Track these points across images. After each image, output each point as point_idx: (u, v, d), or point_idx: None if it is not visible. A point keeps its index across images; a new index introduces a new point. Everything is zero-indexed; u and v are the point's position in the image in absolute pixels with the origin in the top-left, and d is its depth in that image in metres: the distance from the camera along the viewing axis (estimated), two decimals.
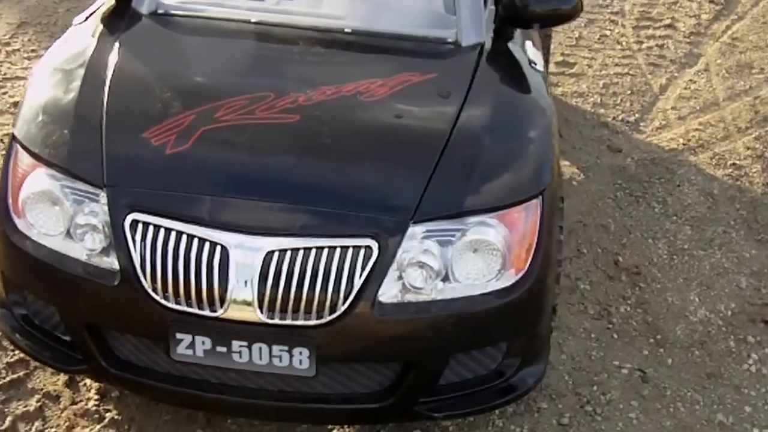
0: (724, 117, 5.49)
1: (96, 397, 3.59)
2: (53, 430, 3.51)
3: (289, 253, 2.97)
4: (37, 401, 3.59)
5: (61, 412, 3.56)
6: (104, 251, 3.10)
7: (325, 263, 2.96)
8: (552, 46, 5.86)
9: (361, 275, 2.98)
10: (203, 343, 3.07)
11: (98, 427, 3.52)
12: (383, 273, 3.02)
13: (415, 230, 3.06)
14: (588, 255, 4.46)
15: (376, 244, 3.00)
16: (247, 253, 2.98)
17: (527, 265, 3.19)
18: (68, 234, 3.16)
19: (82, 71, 3.51)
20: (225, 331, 3.03)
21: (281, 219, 3.04)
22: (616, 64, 5.95)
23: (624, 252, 4.49)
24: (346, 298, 2.97)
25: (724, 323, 4.14)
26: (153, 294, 3.03)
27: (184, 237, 3.02)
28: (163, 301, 3.03)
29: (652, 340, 4.03)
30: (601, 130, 5.36)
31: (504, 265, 3.14)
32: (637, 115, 5.51)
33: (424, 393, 3.22)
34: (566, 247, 4.39)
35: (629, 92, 5.68)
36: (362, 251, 2.99)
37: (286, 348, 3.03)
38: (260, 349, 3.04)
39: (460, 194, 3.15)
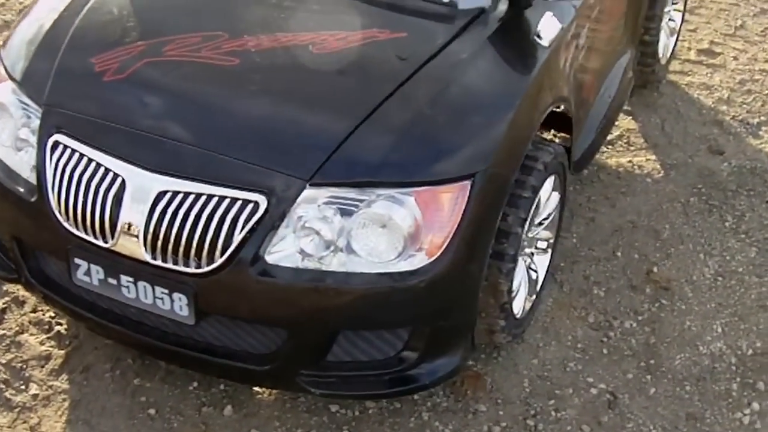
0: None
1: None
2: (4, 331, 3.59)
3: (180, 195, 2.89)
4: (4, 303, 3.68)
5: (19, 317, 3.63)
6: (34, 168, 3.12)
7: (210, 212, 2.85)
8: (705, 33, 5.30)
9: (242, 231, 2.82)
10: (97, 272, 3.05)
11: (43, 336, 3.57)
12: (269, 232, 2.86)
13: (315, 193, 2.86)
14: (621, 259, 4.02)
15: (266, 201, 2.84)
16: (141, 189, 2.92)
17: (441, 251, 2.91)
18: (16, 147, 3.22)
19: None
20: (115, 263, 2.99)
21: (180, 160, 2.95)
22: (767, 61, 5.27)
23: (664, 263, 4.00)
24: (224, 251, 2.83)
25: (738, 362, 3.61)
26: (58, 216, 3.04)
27: (93, 164, 3.01)
28: (65, 225, 3.03)
29: (643, 363, 3.59)
30: (711, 128, 4.77)
31: (408, 247, 2.89)
32: (762, 119, 4.85)
33: (306, 365, 3.05)
34: (603, 247, 4.06)
35: (766, 93, 5.01)
36: (249, 206, 2.84)
37: (166, 291, 2.96)
38: (144, 287, 2.99)
39: (372, 162, 2.91)
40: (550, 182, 3.48)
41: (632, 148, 4.63)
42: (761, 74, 5.14)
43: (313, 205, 2.87)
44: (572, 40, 3.62)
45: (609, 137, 4.66)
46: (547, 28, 3.43)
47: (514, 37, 3.38)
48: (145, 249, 2.91)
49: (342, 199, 2.88)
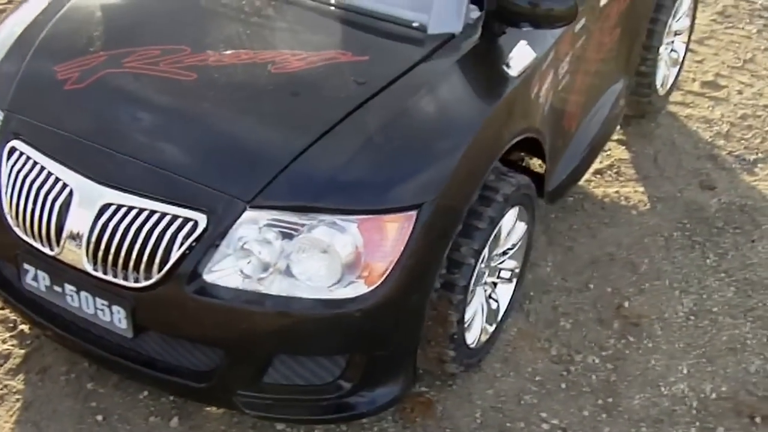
0: None
1: None
2: None
3: (124, 209, 2.89)
4: None
5: None
6: None
7: (150, 227, 2.85)
8: (712, 65, 5.22)
9: (180, 248, 2.81)
10: (44, 278, 3.06)
11: (6, 335, 3.60)
12: (208, 251, 2.84)
13: (256, 215, 2.84)
14: (593, 291, 3.95)
15: (205, 220, 2.82)
16: (87, 200, 2.93)
17: (381, 281, 2.87)
18: None
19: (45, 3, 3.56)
20: (60, 272, 3.01)
21: (126, 174, 2.95)
22: None
23: (637, 298, 3.92)
24: (161, 267, 2.82)
25: (700, 406, 3.53)
26: (9, 220, 3.06)
27: (44, 172, 3.02)
28: (16, 230, 3.05)
29: (600, 401, 3.52)
30: (705, 162, 4.68)
31: (347, 274, 2.85)
32: (760, 155, 4.74)
33: (243, 385, 3.02)
34: (577, 278, 4.00)
35: (767, 129, 4.91)
36: (189, 224, 2.83)
37: (106, 303, 2.96)
38: (87, 298, 3.00)
39: (315, 188, 2.87)
40: (513, 213, 3.42)
41: (621, 178, 4.54)
42: (765, 110, 5.03)
43: (253, 226, 2.85)
44: (549, 69, 3.56)
45: (599, 166, 4.59)
46: (519, 57, 3.37)
47: (481, 65, 3.32)
48: (87, 260, 2.91)
49: (283, 223, 2.85)
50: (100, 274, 2.91)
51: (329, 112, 3.04)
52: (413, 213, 2.90)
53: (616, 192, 4.45)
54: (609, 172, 4.58)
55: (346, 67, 3.20)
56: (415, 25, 3.35)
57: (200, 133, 3.04)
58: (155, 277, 2.85)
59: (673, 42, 4.92)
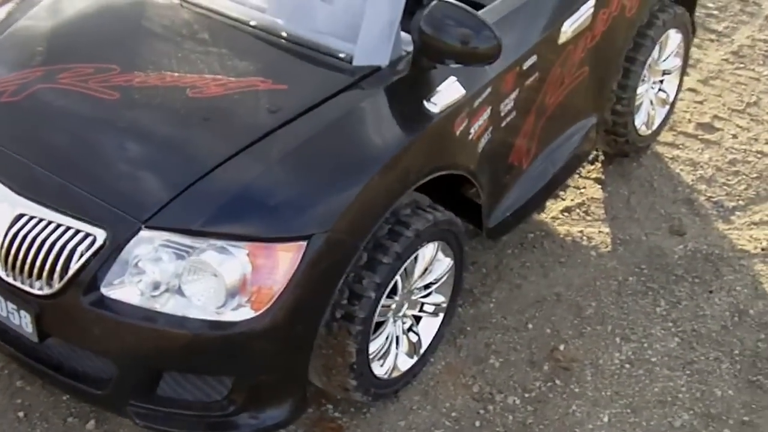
0: None
1: None
2: None
3: (34, 220, 3.04)
4: None
5: None
6: None
7: (55, 239, 2.98)
8: (712, 107, 5.15)
9: (78, 261, 2.95)
10: None
11: None
12: (104, 266, 2.97)
13: (151, 235, 2.96)
14: (531, 332, 3.95)
15: (104, 236, 2.95)
16: (5, 208, 3.08)
17: (266, 307, 2.97)
18: None
19: (4, 14, 3.74)
20: None
21: (39, 186, 3.11)
22: None
23: (575, 341, 3.91)
24: (61, 278, 2.96)
25: None
26: None
27: None
28: None
29: None
30: (680, 206, 4.62)
31: (233, 299, 2.95)
32: (740, 203, 4.66)
33: (135, 396, 3.15)
34: (518, 316, 4.01)
35: (755, 176, 4.81)
36: (88, 239, 2.96)
37: (15, 307, 3.11)
38: (1, 300, 3.12)
39: (209, 212, 2.98)
40: (431, 248, 3.45)
41: (589, 218, 4.52)
42: (756, 156, 4.93)
43: (149, 245, 2.96)
44: (485, 106, 3.58)
45: (568, 204, 4.59)
46: (445, 93, 3.41)
47: (400, 100, 3.36)
48: (0, 265, 3.05)
49: (176, 244, 2.95)
50: (11, 280, 3.06)
51: (234, 140, 3.13)
52: (303, 243, 2.98)
53: (580, 232, 4.43)
54: (578, 210, 4.55)
55: (262, 94, 3.28)
56: (341, 55, 3.40)
57: (110, 151, 3.17)
58: (56, 286, 3.00)
59: (662, 81, 4.85)
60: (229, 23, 3.58)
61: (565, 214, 4.55)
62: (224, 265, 2.93)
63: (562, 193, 4.68)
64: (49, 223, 3.02)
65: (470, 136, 3.55)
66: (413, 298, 3.61)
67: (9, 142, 3.23)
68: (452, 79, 3.45)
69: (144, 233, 2.95)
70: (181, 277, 2.96)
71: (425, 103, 3.36)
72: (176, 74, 3.35)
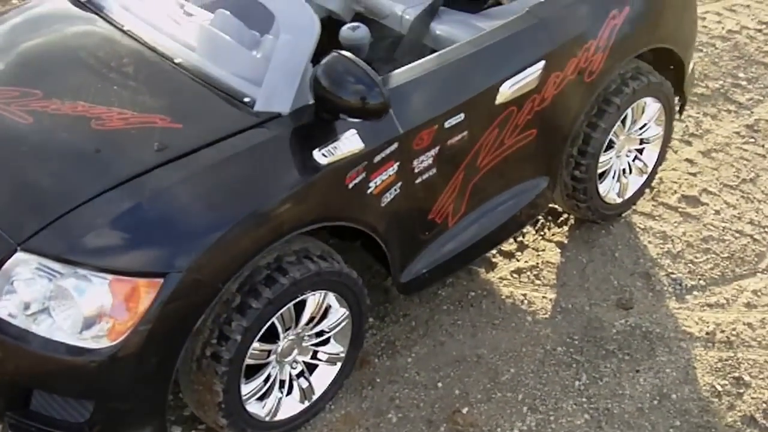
0: None
1: None
2: None
3: None
4: None
5: None
6: None
7: None
8: (705, 180, 5.13)
9: None
10: None
11: None
12: None
13: (27, 258, 3.19)
14: (440, 391, 4.02)
15: None
16: None
17: (121, 339, 3.16)
18: None
19: None
20: None
21: None
22: (752, 223, 4.94)
23: (480, 406, 3.96)
24: None
25: None
26: None
27: None
28: None
29: None
30: (636, 280, 4.59)
31: (90, 326, 3.17)
32: (700, 283, 4.60)
33: (11, 408, 3.39)
34: (432, 374, 4.11)
35: (726, 256, 4.73)
36: None
37: None
38: None
39: (78, 241, 3.19)
40: (317, 297, 3.56)
41: (538, 282, 4.54)
42: (734, 235, 4.84)
43: (24, 267, 3.18)
44: (393, 161, 3.67)
45: (520, 265, 4.61)
46: (340, 145, 3.52)
47: (289, 148, 3.49)
48: None
49: (47, 269, 3.17)
50: None
51: (114, 174, 3.33)
52: (159, 280, 3.13)
53: (524, 295, 4.45)
54: (529, 273, 4.57)
55: (157, 131, 3.46)
56: (246, 99, 3.57)
57: (10, 172, 3.40)
58: None
59: (642, 150, 4.83)
60: (157, 59, 3.76)
61: (515, 275, 4.57)
62: (84, 294, 3.14)
63: (518, 253, 4.71)
64: None
65: (369, 190, 3.64)
66: (304, 344, 3.71)
67: None
68: (352, 131, 3.56)
69: (19, 255, 3.17)
70: (50, 301, 3.15)
71: (315, 153, 3.47)
72: (88, 104, 3.57)
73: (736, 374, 4.16)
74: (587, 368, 4.15)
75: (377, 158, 3.64)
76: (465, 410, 3.96)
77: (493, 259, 4.67)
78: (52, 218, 3.24)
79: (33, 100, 3.61)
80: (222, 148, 3.44)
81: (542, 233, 4.84)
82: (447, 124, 3.86)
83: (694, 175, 5.24)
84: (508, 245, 4.74)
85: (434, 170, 3.90)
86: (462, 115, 3.90)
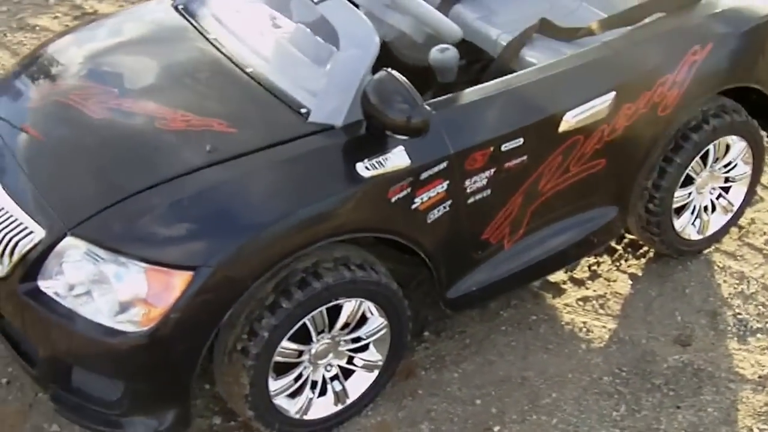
0: None
1: None
2: None
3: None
4: None
5: None
6: None
7: (8, 230, 3.66)
8: None
9: (21, 251, 3.61)
10: None
11: None
12: (37, 261, 3.60)
13: (76, 242, 3.56)
14: (477, 408, 4.23)
15: (41, 235, 3.60)
16: None
17: (152, 325, 3.50)
18: None
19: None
20: None
21: (14, 182, 3.79)
22: None
23: (511, 426, 4.15)
24: (7, 265, 3.63)
25: None
26: None
27: None
28: None
29: None
30: (701, 317, 4.62)
31: (125, 311, 3.52)
32: (766, 326, 4.59)
33: (54, 381, 3.77)
34: (474, 391, 4.28)
35: None
36: (30, 234, 3.61)
37: None
38: None
39: (121, 231, 3.57)
40: (351, 305, 3.80)
41: (601, 311, 4.63)
42: None
43: (74, 251, 3.55)
44: (442, 180, 3.86)
45: (588, 294, 4.70)
46: (385, 160, 3.73)
47: (334, 159, 3.72)
48: None
49: (94, 254, 3.52)
50: None
51: (165, 171, 3.65)
52: (191, 273, 3.45)
53: (584, 323, 4.56)
54: (594, 302, 4.67)
55: (212, 135, 3.77)
56: (302, 111, 3.83)
57: (74, 162, 3.78)
58: (6, 270, 3.64)
59: (728, 189, 4.84)
60: (232, 68, 4.06)
61: (580, 302, 4.67)
62: (122, 280, 3.48)
63: (589, 281, 4.81)
64: (5, 213, 3.70)
65: (414, 206, 3.84)
66: (340, 349, 3.93)
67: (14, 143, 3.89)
68: (400, 148, 3.77)
69: (70, 239, 3.51)
70: (92, 284, 3.48)
71: (358, 165, 3.70)
72: (157, 105, 3.92)
73: None
74: (629, 400, 4.23)
75: (424, 175, 3.82)
76: (496, 429, 4.10)
77: (563, 286, 4.78)
78: (101, 207, 3.59)
79: (110, 98, 3.97)
80: (268, 154, 3.71)
81: (618, 264, 4.90)
82: (504, 148, 4.01)
83: None
84: (581, 272, 4.83)
85: (488, 191, 4.05)
86: (521, 140, 4.04)
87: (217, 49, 4.18)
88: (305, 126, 3.79)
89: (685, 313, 4.66)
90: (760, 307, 4.69)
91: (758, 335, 4.56)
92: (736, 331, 4.58)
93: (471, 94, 4.03)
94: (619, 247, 5.00)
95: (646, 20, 4.48)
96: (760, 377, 4.34)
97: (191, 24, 4.34)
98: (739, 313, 4.66)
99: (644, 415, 4.17)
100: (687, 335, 4.54)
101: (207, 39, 4.24)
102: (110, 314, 3.52)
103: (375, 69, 3.80)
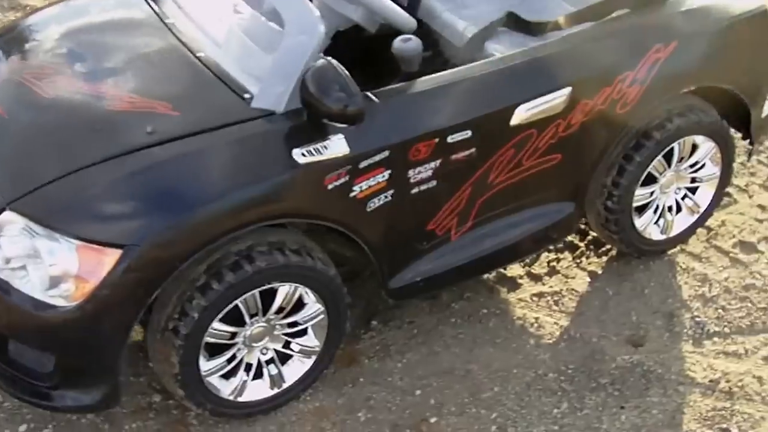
0: None
1: None
2: None
3: None
4: None
5: None
6: None
7: None
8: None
9: None
10: None
11: None
12: None
13: (14, 217, 3.68)
14: (416, 398, 4.27)
15: None
16: None
17: (80, 301, 3.61)
18: None
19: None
20: None
21: None
22: None
23: (448, 419, 4.19)
24: None
25: None
26: None
27: None
28: None
29: None
30: (657, 319, 4.63)
31: (56, 286, 3.63)
32: (724, 330, 4.59)
33: None
34: (416, 381, 4.34)
35: (762, 307, 4.68)
36: None
37: None
38: None
39: (56, 208, 3.67)
40: (285, 289, 3.87)
41: (555, 308, 4.67)
42: None
43: (12, 226, 3.67)
44: (383, 168, 3.91)
45: (544, 290, 4.74)
46: (324, 148, 3.80)
47: (271, 145, 3.79)
48: None
49: (30, 229, 3.63)
50: None
51: (103, 151, 3.74)
52: (119, 251, 3.54)
53: (536, 318, 4.59)
54: (549, 298, 4.71)
55: (155, 117, 3.85)
56: (246, 96, 3.89)
57: (15, 139, 3.87)
58: None
59: (696, 190, 4.85)
60: (184, 52, 4.14)
61: (535, 298, 4.71)
62: (54, 255, 3.58)
63: (546, 277, 4.84)
64: None
65: (353, 194, 3.89)
66: (276, 333, 4.01)
67: None
68: (340, 136, 3.82)
69: (8, 213, 3.65)
70: (28, 259, 3.60)
71: (294, 152, 3.76)
72: (106, 86, 4.01)
73: (725, 425, 4.16)
74: (572, 398, 4.25)
75: (364, 164, 3.88)
76: (433, 420, 4.15)
77: (519, 280, 4.81)
78: (40, 184, 3.69)
79: (62, 78, 4.07)
80: (206, 137, 3.78)
81: (578, 261, 4.93)
82: (450, 139, 4.05)
83: (760, 221, 5.18)
84: (539, 268, 4.87)
85: (434, 182, 4.09)
86: (469, 132, 4.08)
87: (173, 33, 4.26)
88: (247, 111, 3.86)
89: (641, 314, 4.67)
90: (720, 310, 4.69)
91: (714, 339, 4.56)
92: (692, 333, 4.59)
93: (419, 84, 4.08)
94: (581, 244, 5.02)
95: (612, 16, 4.48)
96: (710, 381, 4.35)
97: (151, 8, 4.43)
98: (698, 316, 4.67)
99: (585, 414, 4.20)
100: (640, 336, 4.56)
101: (165, 23, 4.33)
102: (42, 288, 3.62)
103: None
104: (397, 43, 4.26)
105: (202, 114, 3.90)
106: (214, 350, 3.93)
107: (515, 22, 4.64)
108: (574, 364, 4.42)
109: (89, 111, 3.92)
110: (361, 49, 4.43)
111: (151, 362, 3.99)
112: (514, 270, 4.84)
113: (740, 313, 4.69)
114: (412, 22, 4.39)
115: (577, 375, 4.37)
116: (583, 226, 4.95)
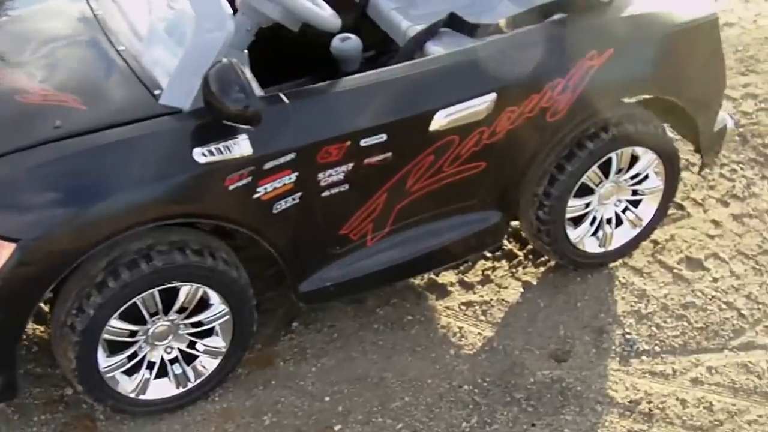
0: None
1: None
2: None
3: None
4: None
5: None
6: None
7: None
8: (721, 244, 5.12)
9: None
10: None
11: None
12: None
13: None
14: (324, 404, 4.30)
15: None
16: None
17: None
18: None
19: None
20: None
21: None
22: (749, 297, 4.80)
23: (353, 427, 4.23)
24: None
25: None
26: None
27: None
28: None
29: None
30: (586, 334, 4.62)
31: None
32: (654, 348, 4.57)
33: None
34: (327, 387, 4.38)
35: (699, 327, 4.66)
36: None
37: None
38: None
39: None
40: (187, 289, 3.94)
41: (482, 318, 4.68)
42: (720, 307, 4.75)
43: None
44: (290, 171, 3.96)
45: (474, 299, 4.76)
46: (226, 148, 3.86)
47: (173, 143, 3.85)
48: None
49: None
50: None
51: (11, 143, 3.81)
52: (13, 245, 3.63)
53: (460, 329, 4.61)
54: (477, 307, 4.72)
55: (63, 110, 3.93)
56: (156, 92, 3.96)
57: None
58: None
59: (639, 202, 4.83)
60: (105, 44, 4.22)
61: (463, 307, 4.73)
62: None
63: (478, 286, 4.85)
64: None
65: (256, 195, 3.94)
66: (180, 332, 4.08)
67: None
68: (244, 136, 3.87)
69: None
70: None
71: (195, 151, 3.82)
72: (23, 78, 4.09)
73: None
74: (483, 411, 4.26)
75: (268, 165, 3.92)
76: (337, 428, 4.19)
77: (450, 288, 4.83)
78: None
79: None
80: (111, 133, 3.84)
81: (514, 270, 4.93)
82: (363, 143, 4.08)
83: (711, 237, 5.14)
84: (473, 276, 4.87)
85: (346, 186, 4.13)
86: (383, 136, 4.10)
87: (99, 26, 4.34)
88: (154, 108, 3.91)
89: (569, 328, 4.66)
90: (654, 328, 4.67)
91: (643, 357, 4.54)
92: (620, 351, 4.57)
93: (336, 84, 4.11)
94: (520, 254, 5.02)
95: (550, 20, 4.46)
96: (630, 402, 4.33)
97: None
98: (629, 333, 4.65)
99: (495, 429, 4.20)
100: (565, 350, 4.55)
101: (94, 15, 4.41)
102: None
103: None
104: (336, 42, 4.31)
105: (110, 110, 3.96)
106: (116, 347, 3.99)
107: (457, 23, 4.65)
108: (491, 376, 4.42)
109: (3, 103, 4.00)
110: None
111: (55, 356, 4.06)
112: (447, 277, 4.85)
113: (674, 332, 4.66)
114: (334, 23, 4.41)
115: (493, 388, 4.38)
116: (524, 235, 4.94)
